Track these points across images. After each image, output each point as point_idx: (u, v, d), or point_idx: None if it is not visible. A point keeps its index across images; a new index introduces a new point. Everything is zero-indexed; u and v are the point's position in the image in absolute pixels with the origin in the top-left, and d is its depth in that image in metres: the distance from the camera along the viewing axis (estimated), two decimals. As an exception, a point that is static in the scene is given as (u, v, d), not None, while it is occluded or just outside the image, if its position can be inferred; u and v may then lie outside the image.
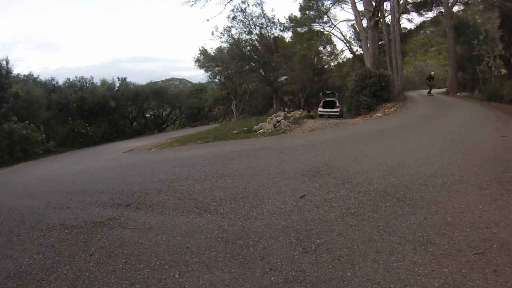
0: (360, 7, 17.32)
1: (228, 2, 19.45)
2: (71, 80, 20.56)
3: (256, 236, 2.36)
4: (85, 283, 1.94)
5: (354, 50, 27.39)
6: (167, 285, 1.84)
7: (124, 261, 2.17)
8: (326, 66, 28.14)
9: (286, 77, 26.10)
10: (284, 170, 4.30)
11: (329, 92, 17.19)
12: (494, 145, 4.69)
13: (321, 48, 26.23)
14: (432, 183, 3.14)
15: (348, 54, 30.66)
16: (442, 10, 21.74)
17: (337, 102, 15.58)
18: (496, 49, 16.72)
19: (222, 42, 23.61)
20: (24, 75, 19.12)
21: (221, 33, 22.70)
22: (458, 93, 19.71)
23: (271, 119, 11.39)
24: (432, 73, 17.18)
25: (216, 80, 25.81)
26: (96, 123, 18.43)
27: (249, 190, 3.51)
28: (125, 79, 22.73)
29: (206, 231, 2.55)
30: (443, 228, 2.20)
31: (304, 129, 10.34)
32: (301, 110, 17.17)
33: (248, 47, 23.46)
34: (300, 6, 24.21)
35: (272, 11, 64.83)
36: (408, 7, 23.23)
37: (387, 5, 20.97)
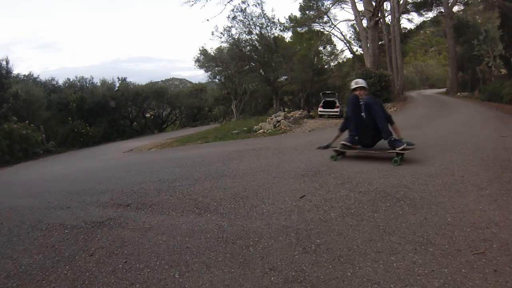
0: (360, 7, 17.36)
1: (228, 2, 19.51)
2: (71, 80, 20.62)
3: (256, 236, 2.35)
4: (85, 283, 1.94)
5: (354, 50, 27.45)
6: (167, 285, 1.84)
7: (124, 261, 2.17)
8: (326, 66, 28.14)
9: (286, 77, 26.08)
10: (284, 170, 4.30)
11: (329, 92, 17.17)
12: (494, 145, 4.69)
13: (321, 48, 26.25)
14: (432, 183, 3.14)
15: (348, 54, 30.71)
16: (442, 10, 21.77)
17: (337, 102, 15.57)
18: (496, 49, 16.73)
19: (222, 42, 23.64)
20: (24, 75, 19.18)
21: (221, 33, 22.72)
22: (458, 93, 19.72)
23: (271, 119, 11.39)
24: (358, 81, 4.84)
25: (216, 80, 25.81)
26: (96, 123, 18.45)
27: (249, 190, 3.51)
28: (125, 79, 22.78)
29: (206, 231, 2.54)
30: (443, 228, 2.20)
31: (304, 129, 10.34)
32: (301, 110, 17.16)
33: (248, 47, 23.45)
34: (300, 6, 24.30)
35: (272, 11, 65.07)
36: (408, 7, 23.26)
37: (387, 5, 21.00)
